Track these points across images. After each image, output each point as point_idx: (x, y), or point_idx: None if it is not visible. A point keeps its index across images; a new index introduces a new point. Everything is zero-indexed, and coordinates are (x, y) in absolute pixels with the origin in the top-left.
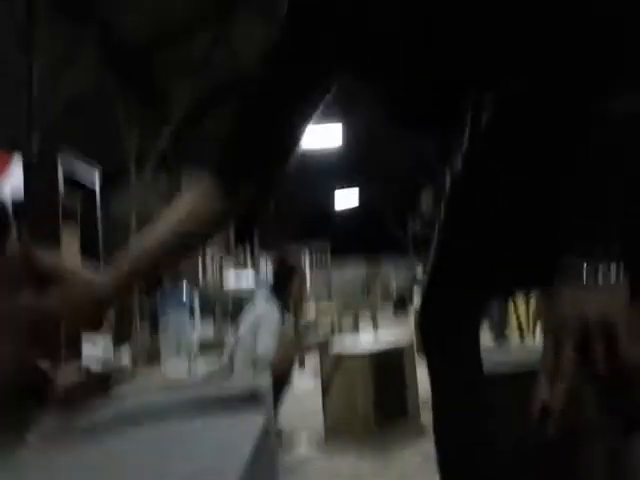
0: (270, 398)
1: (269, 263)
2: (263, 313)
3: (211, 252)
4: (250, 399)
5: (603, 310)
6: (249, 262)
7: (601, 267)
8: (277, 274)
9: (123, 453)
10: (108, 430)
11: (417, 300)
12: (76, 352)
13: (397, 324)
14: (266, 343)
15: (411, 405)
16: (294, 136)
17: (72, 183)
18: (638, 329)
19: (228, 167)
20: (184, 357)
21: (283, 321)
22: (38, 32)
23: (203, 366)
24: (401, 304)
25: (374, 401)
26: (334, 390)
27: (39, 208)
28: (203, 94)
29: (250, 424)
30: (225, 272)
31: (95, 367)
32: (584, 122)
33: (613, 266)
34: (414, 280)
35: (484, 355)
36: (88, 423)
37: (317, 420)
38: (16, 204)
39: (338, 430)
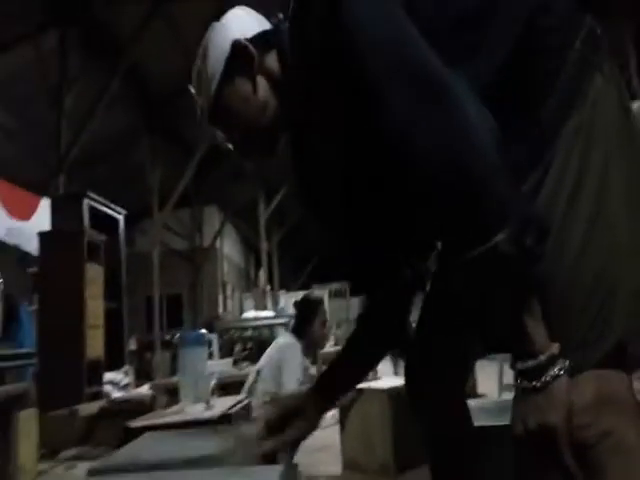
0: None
1: (288, 302)
2: (285, 349)
3: (231, 289)
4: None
5: (541, 418)
6: (269, 301)
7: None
8: (300, 312)
9: None
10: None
11: None
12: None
13: None
14: (291, 385)
15: None
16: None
17: (97, 223)
18: (583, 401)
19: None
20: (202, 397)
21: (305, 358)
22: (68, 83)
23: (222, 404)
24: None
25: (393, 443)
26: (351, 426)
27: (65, 247)
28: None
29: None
30: (245, 310)
31: (116, 393)
32: None
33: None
34: None
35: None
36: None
37: (335, 454)
38: (43, 243)
39: (356, 469)
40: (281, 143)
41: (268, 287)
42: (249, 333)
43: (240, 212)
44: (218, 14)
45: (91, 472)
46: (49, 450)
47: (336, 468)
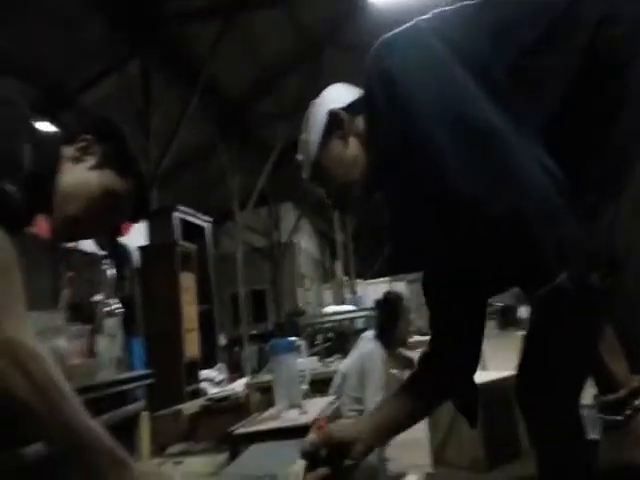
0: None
1: (366, 290)
2: (368, 360)
3: (310, 282)
4: None
5: (627, 455)
6: (347, 291)
7: None
8: (381, 314)
9: None
10: None
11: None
12: (195, 377)
13: (503, 343)
14: (374, 398)
15: (525, 444)
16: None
17: (186, 232)
18: None
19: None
20: (296, 402)
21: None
22: (152, 104)
23: (314, 408)
24: (508, 316)
25: (483, 437)
26: (439, 421)
27: (161, 259)
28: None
29: None
30: (324, 301)
31: (211, 390)
32: None
33: None
34: (518, 298)
35: None
36: None
37: (423, 448)
38: (142, 256)
39: (445, 464)
40: (372, 196)
41: (345, 277)
42: (329, 325)
43: (315, 207)
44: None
45: None
46: (157, 447)
47: (425, 462)
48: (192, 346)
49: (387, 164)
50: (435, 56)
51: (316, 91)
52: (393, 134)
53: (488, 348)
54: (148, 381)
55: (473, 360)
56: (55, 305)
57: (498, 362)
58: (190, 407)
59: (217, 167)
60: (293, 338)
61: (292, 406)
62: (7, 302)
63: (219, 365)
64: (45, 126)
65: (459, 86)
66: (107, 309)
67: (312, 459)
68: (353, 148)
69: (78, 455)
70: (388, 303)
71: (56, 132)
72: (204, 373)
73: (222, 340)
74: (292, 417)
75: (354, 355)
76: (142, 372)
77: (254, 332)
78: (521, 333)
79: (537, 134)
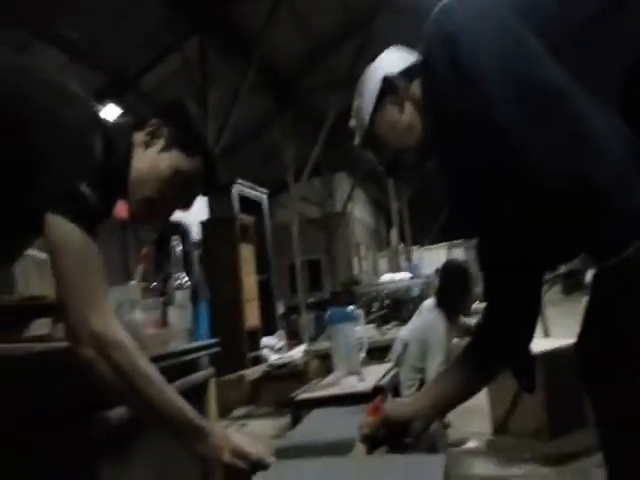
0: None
1: (422, 257)
2: (430, 329)
3: (364, 250)
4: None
5: None
6: (403, 259)
7: None
8: (443, 282)
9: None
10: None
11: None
12: (256, 345)
13: (568, 309)
14: (436, 368)
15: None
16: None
17: (244, 205)
18: None
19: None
20: (354, 369)
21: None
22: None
23: (373, 375)
24: (573, 281)
25: (547, 406)
26: (500, 391)
27: (221, 232)
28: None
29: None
30: (379, 270)
31: (272, 357)
32: None
33: None
34: (585, 262)
35: None
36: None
37: (483, 415)
38: (204, 230)
39: (506, 432)
40: (427, 162)
41: (401, 245)
42: (385, 293)
43: (369, 175)
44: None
45: (279, 453)
46: (222, 410)
47: (486, 430)
48: (252, 315)
49: (446, 128)
50: (500, 19)
51: (369, 58)
52: (455, 98)
53: (552, 314)
54: (215, 349)
55: (529, 328)
56: (127, 279)
57: (562, 328)
58: (252, 373)
59: (272, 140)
60: (350, 307)
61: (351, 373)
62: (92, 297)
63: (278, 332)
64: (111, 109)
65: (527, 50)
66: (177, 282)
67: (371, 441)
68: (408, 114)
69: (163, 427)
70: (450, 271)
71: (126, 120)
72: (264, 340)
73: (280, 309)
74: (351, 384)
75: (416, 323)
76: (209, 341)
77: (311, 301)
78: (586, 299)
79: (608, 103)
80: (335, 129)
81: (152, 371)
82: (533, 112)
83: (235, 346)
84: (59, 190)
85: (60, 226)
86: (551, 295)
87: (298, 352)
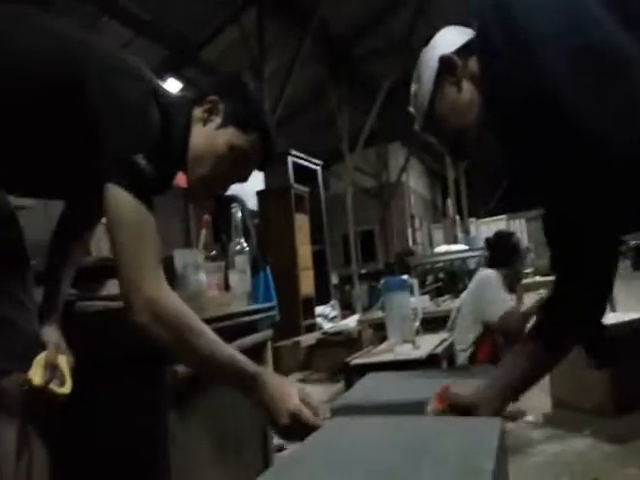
0: None
1: (479, 229)
2: (485, 283)
3: (419, 222)
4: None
5: None
6: (459, 230)
7: None
8: (493, 253)
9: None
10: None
11: None
12: (311, 313)
13: (637, 284)
14: (494, 309)
15: None
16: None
17: (299, 175)
18: None
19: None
20: (408, 337)
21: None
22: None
23: (427, 344)
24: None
25: (610, 381)
26: (560, 366)
27: (277, 202)
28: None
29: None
30: (434, 241)
31: (326, 325)
32: None
33: None
34: None
35: None
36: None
37: (542, 389)
38: (260, 200)
39: (566, 408)
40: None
41: (457, 216)
42: (440, 265)
43: (424, 145)
44: None
45: (334, 411)
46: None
47: (544, 404)
48: (307, 284)
49: (506, 100)
50: None
51: (424, 25)
52: (513, 68)
53: (620, 289)
54: (273, 312)
55: (601, 302)
56: (187, 243)
57: (630, 303)
58: (307, 339)
59: (327, 110)
60: (405, 276)
61: (405, 341)
62: (145, 266)
63: (332, 302)
64: (171, 83)
65: (588, 15)
66: (237, 248)
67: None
68: (467, 92)
69: (214, 379)
70: (499, 242)
71: (186, 96)
72: (318, 309)
73: (334, 279)
74: (405, 351)
75: (471, 287)
76: (268, 304)
77: (364, 271)
78: None
79: None
80: (390, 98)
81: (202, 329)
82: (597, 79)
83: (290, 314)
84: (116, 160)
85: (116, 195)
86: (620, 270)
87: (352, 321)
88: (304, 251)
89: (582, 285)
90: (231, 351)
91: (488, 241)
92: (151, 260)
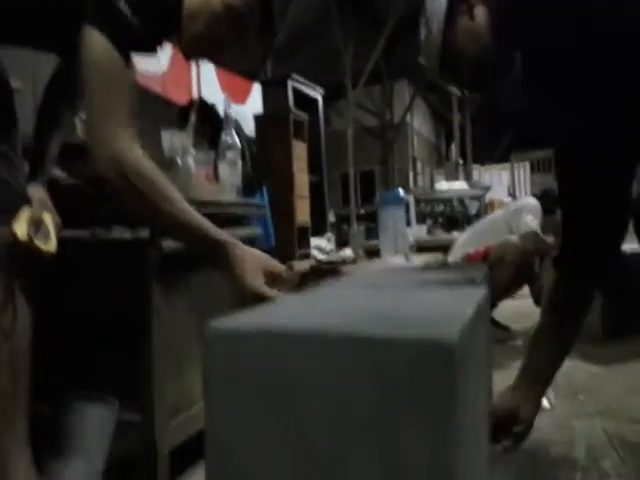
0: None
1: (482, 175)
2: (530, 200)
3: (421, 165)
4: (468, 282)
5: None
6: (461, 176)
7: None
8: (543, 200)
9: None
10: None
11: None
12: (306, 243)
13: None
14: (531, 221)
15: None
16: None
17: (299, 103)
18: None
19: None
20: (401, 252)
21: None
22: None
23: (421, 259)
24: None
25: (601, 311)
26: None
27: (275, 127)
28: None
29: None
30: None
31: (321, 257)
32: None
33: None
34: None
35: None
36: None
37: (533, 315)
38: (257, 125)
39: None
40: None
41: (460, 161)
42: (440, 208)
43: (431, 85)
44: None
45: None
46: None
47: (532, 328)
48: (303, 212)
49: (525, 20)
50: None
51: None
52: None
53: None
54: (262, 212)
55: (618, 234)
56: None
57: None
58: (300, 265)
59: (331, 42)
60: (400, 191)
61: (397, 253)
62: (115, 118)
63: (328, 235)
64: None
65: None
66: (228, 141)
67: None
68: (481, 17)
69: (182, 242)
70: (547, 194)
71: None
72: (314, 241)
73: (331, 218)
74: (397, 262)
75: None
76: (258, 201)
77: (362, 212)
78: None
79: None
80: (396, 34)
81: (169, 190)
82: None
83: (285, 241)
84: (97, 2)
85: (91, 36)
86: None
87: (348, 251)
88: (301, 178)
89: (599, 217)
90: (201, 217)
91: (535, 195)
92: (121, 115)
